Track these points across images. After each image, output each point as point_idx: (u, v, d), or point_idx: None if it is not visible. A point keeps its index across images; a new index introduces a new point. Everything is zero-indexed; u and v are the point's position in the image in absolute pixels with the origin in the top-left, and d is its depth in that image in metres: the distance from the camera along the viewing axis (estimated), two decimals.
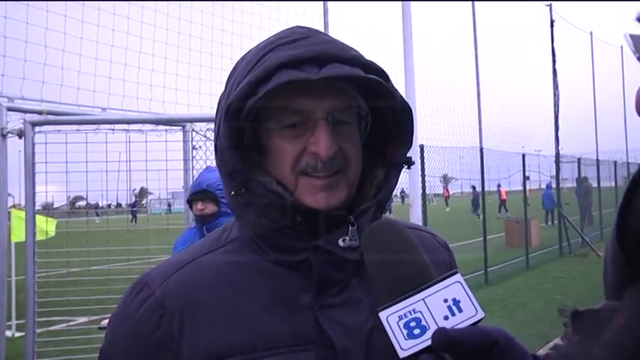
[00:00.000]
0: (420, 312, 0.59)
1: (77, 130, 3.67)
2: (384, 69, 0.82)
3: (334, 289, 0.80)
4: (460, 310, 0.59)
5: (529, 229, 12.59)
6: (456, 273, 0.61)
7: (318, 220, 0.79)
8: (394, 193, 1.02)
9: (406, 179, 4.74)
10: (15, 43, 3.73)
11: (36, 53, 3.81)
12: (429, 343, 0.57)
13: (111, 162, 3.68)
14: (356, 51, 0.82)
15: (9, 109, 3.45)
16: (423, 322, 0.59)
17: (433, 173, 9.43)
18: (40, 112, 3.54)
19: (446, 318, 0.59)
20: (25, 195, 3.53)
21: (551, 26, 14.08)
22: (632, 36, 0.47)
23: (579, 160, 16.45)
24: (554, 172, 14.83)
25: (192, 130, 4.19)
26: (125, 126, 3.78)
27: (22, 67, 3.71)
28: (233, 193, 0.80)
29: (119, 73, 4.29)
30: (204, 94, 4.66)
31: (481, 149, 11.19)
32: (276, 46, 0.80)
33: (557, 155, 14.15)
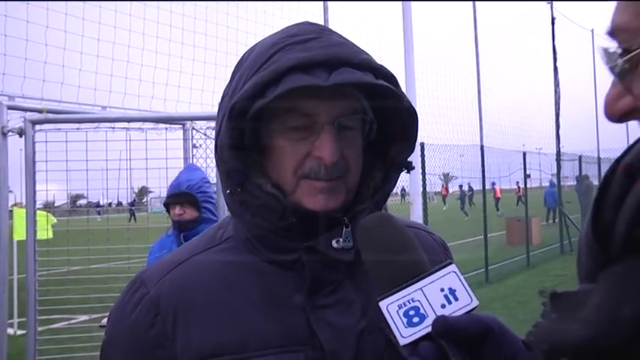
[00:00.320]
0: (419, 301, 0.61)
1: (77, 128, 3.67)
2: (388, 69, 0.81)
3: (326, 289, 0.80)
4: (456, 299, 0.61)
5: (530, 227, 12.58)
6: (451, 263, 0.64)
7: (313, 221, 0.79)
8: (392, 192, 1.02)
9: (406, 177, 4.74)
10: (15, 42, 3.73)
11: (36, 52, 3.81)
12: (427, 330, 0.60)
13: (111, 160, 3.68)
14: (366, 54, 0.81)
15: (9, 108, 3.45)
16: (422, 311, 0.61)
17: (434, 171, 9.44)
18: (40, 111, 3.54)
19: (443, 306, 0.61)
20: (26, 193, 3.54)
21: (552, 24, 14.05)
22: (604, 49, 0.50)
23: (580, 158, 16.43)
24: (555, 170, 14.83)
25: (193, 128, 4.19)
26: (125, 124, 3.78)
27: (22, 66, 3.71)
28: (229, 191, 0.80)
29: (120, 70, 4.29)
30: (207, 92, 4.64)
31: (482, 147, 11.19)
32: (285, 45, 0.78)
33: (558, 153, 14.14)
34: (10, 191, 3.65)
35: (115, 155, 3.74)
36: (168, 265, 0.85)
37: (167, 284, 0.82)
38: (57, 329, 5.44)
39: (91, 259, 4.10)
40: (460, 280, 0.62)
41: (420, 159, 8.22)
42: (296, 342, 0.77)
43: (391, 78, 0.80)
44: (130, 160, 3.58)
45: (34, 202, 3.56)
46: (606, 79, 0.52)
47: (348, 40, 0.83)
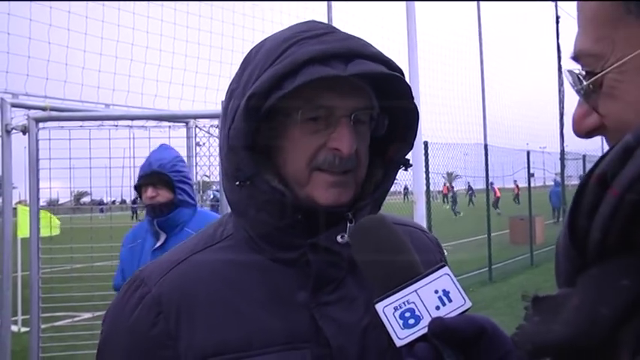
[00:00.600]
0: (414, 303, 0.63)
1: (81, 126, 3.67)
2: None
3: (330, 286, 0.80)
4: (450, 300, 0.63)
5: (533, 226, 12.55)
6: (444, 266, 0.65)
7: (317, 217, 0.78)
8: (395, 189, 1.02)
9: (410, 176, 4.72)
10: (19, 40, 3.73)
11: (40, 50, 3.81)
12: (423, 332, 0.61)
13: (115, 158, 3.67)
14: (375, 48, 0.81)
15: (13, 106, 3.46)
16: (417, 312, 0.62)
17: (437, 170, 9.41)
18: (43, 109, 3.54)
19: (437, 308, 0.62)
20: (30, 191, 3.54)
21: (557, 22, 13.99)
22: (569, 72, 0.54)
23: (584, 157, 16.36)
24: (559, 170, 14.78)
25: (196, 126, 4.18)
26: (129, 122, 3.78)
27: (26, 64, 3.71)
28: (238, 183, 0.78)
29: (124, 68, 4.29)
30: (210, 90, 4.63)
31: (486, 146, 11.15)
32: (299, 39, 0.78)
33: (562, 152, 14.09)
34: (15, 187, 3.65)
35: (118, 153, 3.74)
36: (168, 263, 0.84)
37: (168, 283, 0.81)
38: (60, 327, 5.46)
39: (95, 257, 4.10)
40: (453, 282, 0.64)
41: (423, 157, 8.19)
42: (301, 339, 0.77)
43: (400, 71, 0.80)
44: (134, 157, 3.57)
45: (38, 199, 3.56)
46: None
47: (356, 36, 0.84)
